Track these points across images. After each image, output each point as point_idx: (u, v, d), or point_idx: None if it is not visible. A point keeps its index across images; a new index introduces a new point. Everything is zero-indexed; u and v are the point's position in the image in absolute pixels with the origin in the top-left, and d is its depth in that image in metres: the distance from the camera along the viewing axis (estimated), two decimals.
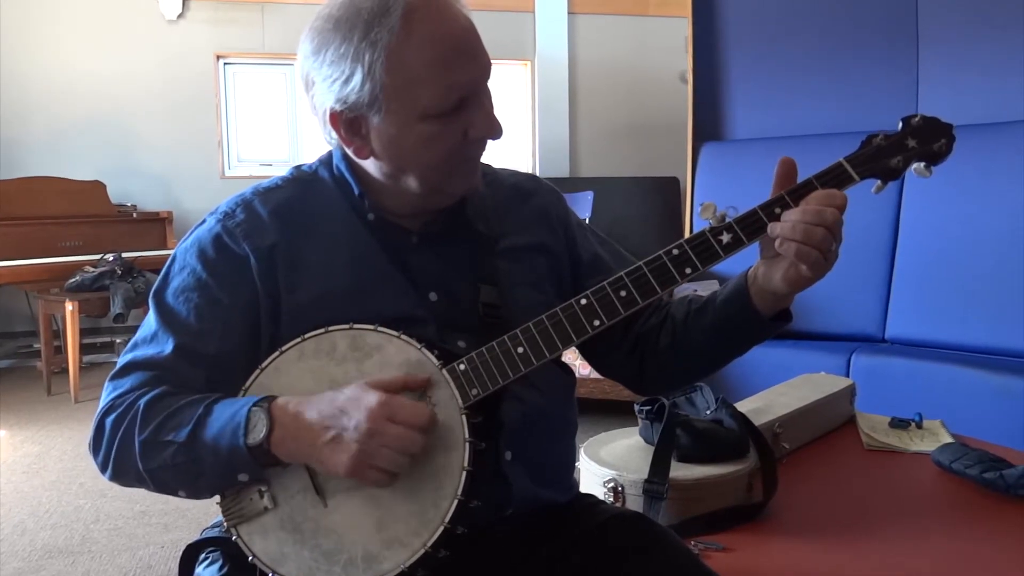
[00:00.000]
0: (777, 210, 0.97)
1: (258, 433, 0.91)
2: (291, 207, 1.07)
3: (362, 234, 1.07)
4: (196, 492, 0.98)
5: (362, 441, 0.89)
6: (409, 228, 1.10)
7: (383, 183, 1.06)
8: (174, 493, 0.99)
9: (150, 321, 1.04)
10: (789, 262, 0.97)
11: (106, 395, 1.00)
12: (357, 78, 0.96)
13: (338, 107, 0.99)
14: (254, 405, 0.93)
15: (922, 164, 0.99)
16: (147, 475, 0.96)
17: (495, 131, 1.02)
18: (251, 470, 0.95)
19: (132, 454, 0.95)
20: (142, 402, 0.96)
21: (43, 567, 2.40)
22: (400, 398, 0.92)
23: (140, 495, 2.87)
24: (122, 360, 1.03)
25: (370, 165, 1.05)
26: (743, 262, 1.07)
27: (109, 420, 0.97)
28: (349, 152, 1.04)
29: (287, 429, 0.92)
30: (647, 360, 1.16)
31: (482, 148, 1.06)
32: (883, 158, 0.99)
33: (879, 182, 1.00)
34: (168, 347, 1.00)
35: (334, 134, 1.03)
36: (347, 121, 1.01)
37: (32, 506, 2.87)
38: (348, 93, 0.98)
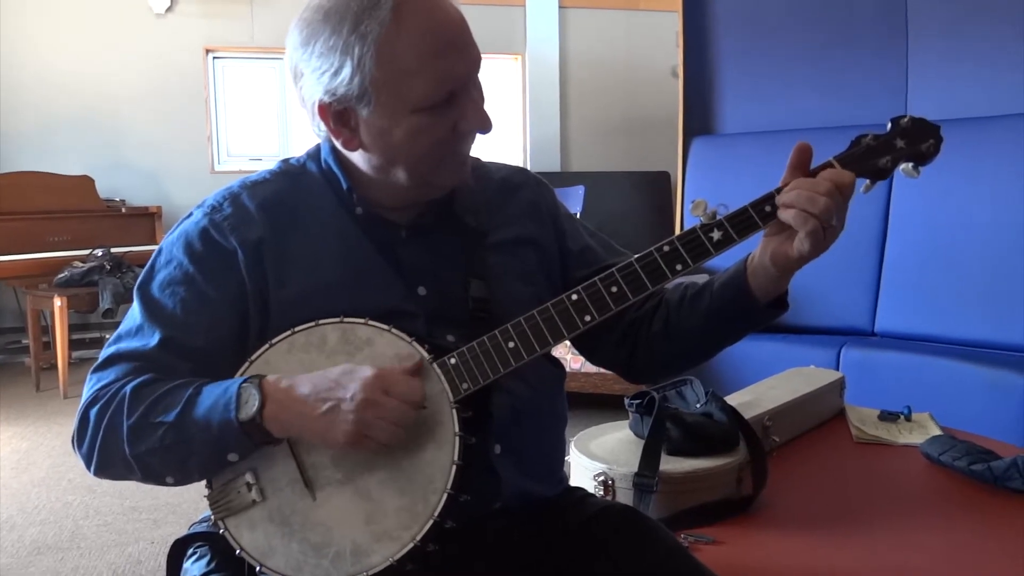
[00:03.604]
0: (767, 208, 0.98)
1: (250, 408, 0.91)
2: (279, 201, 1.07)
3: (350, 228, 1.07)
4: (185, 476, 0.97)
5: (359, 411, 0.90)
6: (398, 222, 1.09)
7: (372, 176, 1.05)
8: (161, 480, 0.98)
9: (134, 314, 1.03)
10: (780, 238, 0.98)
11: (89, 387, 0.99)
12: (346, 71, 0.96)
13: (327, 99, 0.99)
14: (244, 382, 0.93)
15: (910, 164, 1.01)
16: (134, 461, 0.95)
17: (485, 125, 1.02)
18: (242, 447, 0.94)
19: (119, 441, 0.94)
20: (128, 388, 0.96)
21: (32, 563, 2.39)
22: (394, 372, 0.93)
23: (129, 491, 2.86)
24: (105, 352, 1.02)
25: (359, 157, 1.04)
26: (734, 259, 1.07)
27: (93, 411, 0.96)
28: (338, 144, 1.04)
29: (280, 403, 0.92)
30: (639, 346, 1.16)
31: (471, 141, 1.05)
32: (872, 158, 1.00)
33: (868, 182, 1.01)
34: (153, 340, 1.00)
35: (323, 125, 1.03)
36: (336, 113, 1.00)
37: (21, 502, 2.85)
38: (337, 85, 0.97)
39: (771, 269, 1.00)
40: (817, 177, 0.96)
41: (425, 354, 0.96)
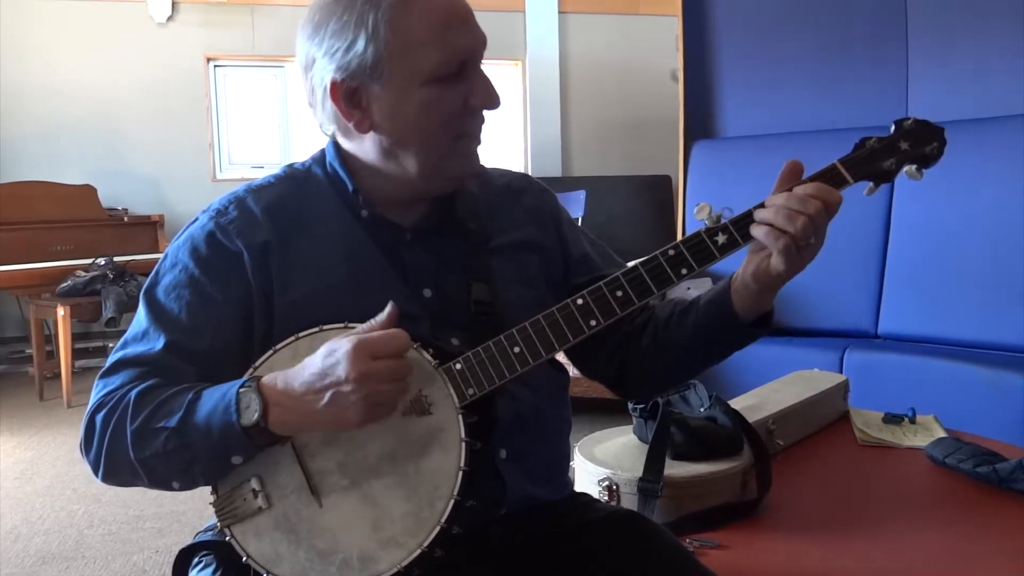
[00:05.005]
0: None
1: (252, 413, 0.91)
2: (284, 204, 1.07)
3: (356, 231, 1.07)
4: (190, 480, 0.97)
5: (358, 389, 0.88)
6: (402, 225, 1.09)
7: (380, 166, 1.06)
8: (168, 485, 0.98)
9: (140, 318, 1.03)
10: (762, 255, 0.98)
11: (96, 393, 0.99)
12: (361, 42, 0.98)
13: (339, 76, 1.00)
14: (241, 387, 0.93)
15: (914, 167, 1.00)
16: (139, 465, 0.95)
17: (493, 100, 1.03)
18: (245, 451, 0.94)
19: (124, 445, 0.94)
20: (133, 393, 0.96)
21: (37, 573, 2.39)
22: (370, 335, 0.91)
23: (134, 500, 2.86)
24: (112, 358, 1.02)
25: (368, 143, 1.05)
26: (739, 263, 1.07)
27: (99, 416, 0.96)
28: (349, 126, 1.04)
29: (283, 406, 0.91)
30: (628, 361, 1.16)
31: (480, 123, 1.06)
32: (876, 161, 0.99)
33: (871, 184, 1.00)
34: (159, 344, 1.00)
35: (333, 108, 1.03)
36: (348, 92, 1.01)
37: (25, 512, 2.85)
38: (351, 59, 0.99)
39: (752, 286, 1.00)
40: (804, 195, 0.94)
41: (431, 359, 0.96)
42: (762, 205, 0.98)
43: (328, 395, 0.90)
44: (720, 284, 1.07)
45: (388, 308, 0.95)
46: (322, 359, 0.91)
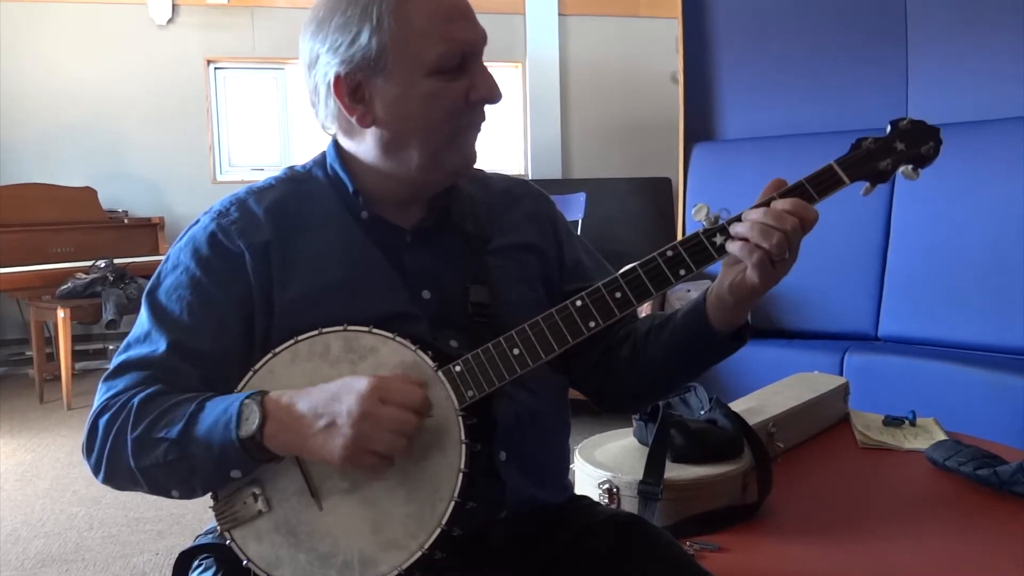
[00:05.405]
0: None
1: (251, 425, 0.91)
2: (285, 205, 1.08)
3: (356, 232, 1.08)
4: (189, 491, 0.97)
5: (355, 425, 0.89)
6: (402, 226, 1.10)
7: (379, 167, 1.06)
8: (167, 493, 0.98)
9: (143, 320, 1.04)
10: (738, 268, 0.98)
11: (100, 396, 1.00)
12: (365, 34, 0.99)
13: (343, 70, 1.00)
14: (247, 398, 0.93)
15: (910, 167, 1.00)
16: (139, 473, 0.95)
17: (494, 93, 1.04)
18: (243, 465, 0.94)
19: (125, 453, 0.95)
20: (135, 400, 0.96)
21: (37, 575, 2.38)
22: (392, 380, 0.92)
23: (134, 502, 2.86)
24: (115, 361, 1.02)
25: (369, 139, 1.05)
26: None
27: (103, 420, 0.97)
28: (351, 121, 1.04)
29: (280, 421, 0.92)
30: (609, 374, 1.16)
31: (481, 118, 1.06)
32: (872, 161, 1.00)
33: (868, 184, 1.00)
34: (162, 345, 1.00)
35: (335, 105, 1.03)
36: (351, 87, 1.01)
37: (25, 514, 2.85)
38: (354, 52, 0.99)
39: (727, 299, 1.01)
40: (781, 210, 0.95)
41: (430, 362, 0.96)
42: (739, 218, 0.98)
43: (323, 422, 0.90)
44: (696, 298, 1.07)
45: (422, 374, 0.95)
46: (337, 387, 0.92)
